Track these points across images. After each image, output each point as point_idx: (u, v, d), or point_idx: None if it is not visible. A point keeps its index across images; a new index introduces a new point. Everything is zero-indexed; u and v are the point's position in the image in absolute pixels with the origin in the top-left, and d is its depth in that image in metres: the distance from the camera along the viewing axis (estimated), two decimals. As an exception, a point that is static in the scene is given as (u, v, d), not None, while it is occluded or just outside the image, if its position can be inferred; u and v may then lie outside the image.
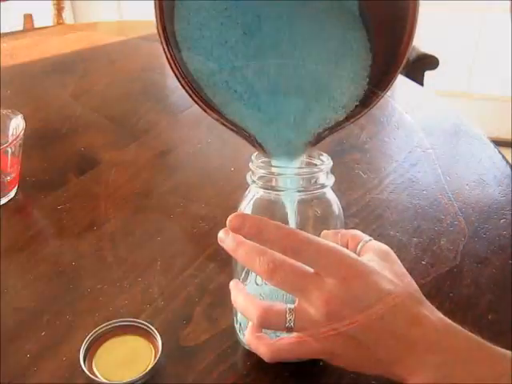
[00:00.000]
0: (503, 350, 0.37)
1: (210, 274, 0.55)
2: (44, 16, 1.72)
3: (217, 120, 0.40)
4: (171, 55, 0.37)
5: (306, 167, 0.43)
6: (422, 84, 1.36)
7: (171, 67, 0.37)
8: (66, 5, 1.59)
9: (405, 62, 0.39)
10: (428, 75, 1.37)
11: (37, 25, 1.55)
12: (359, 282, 0.37)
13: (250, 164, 0.43)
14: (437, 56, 1.35)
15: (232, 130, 0.40)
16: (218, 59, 0.39)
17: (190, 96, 0.38)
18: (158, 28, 0.36)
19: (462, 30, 2.21)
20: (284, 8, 0.39)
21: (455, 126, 0.81)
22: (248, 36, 0.39)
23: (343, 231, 0.45)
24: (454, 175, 0.70)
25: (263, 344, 0.41)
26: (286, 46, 0.40)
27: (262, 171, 0.42)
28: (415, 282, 0.50)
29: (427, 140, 0.78)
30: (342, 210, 0.45)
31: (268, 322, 0.39)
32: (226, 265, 0.56)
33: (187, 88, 0.38)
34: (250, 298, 0.41)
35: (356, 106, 0.42)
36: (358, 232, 0.45)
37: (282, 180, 0.42)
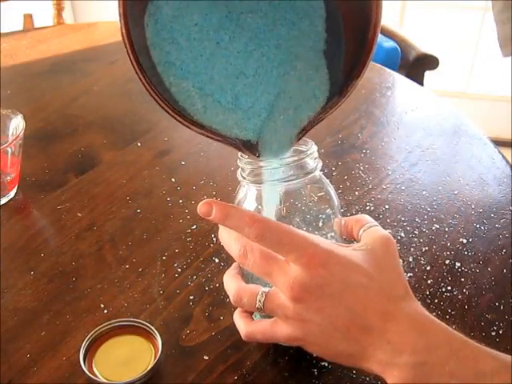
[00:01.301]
0: (488, 349, 0.36)
1: (210, 273, 0.55)
2: (44, 16, 1.72)
3: (201, 134, 0.40)
4: (145, 79, 0.37)
5: (293, 157, 0.43)
6: (422, 84, 1.36)
7: (149, 92, 0.37)
8: (66, 5, 1.58)
9: (374, 49, 0.40)
10: (428, 75, 1.37)
11: (37, 25, 1.55)
12: (323, 271, 0.37)
13: (238, 161, 0.43)
14: (437, 56, 1.35)
15: (218, 140, 0.41)
16: (196, 74, 0.39)
17: (173, 116, 0.38)
18: (129, 54, 0.36)
19: (462, 29, 2.21)
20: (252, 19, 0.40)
21: (455, 126, 0.81)
22: (221, 46, 0.39)
23: (349, 217, 0.46)
24: (454, 175, 0.70)
25: (243, 323, 0.43)
26: (260, 52, 0.40)
27: (251, 166, 0.43)
28: (415, 282, 0.50)
29: (427, 140, 0.78)
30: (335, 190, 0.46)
31: (241, 300, 0.41)
32: (226, 264, 0.56)
33: (168, 109, 0.38)
34: (233, 278, 0.43)
35: (334, 97, 0.42)
36: (363, 216, 0.45)
37: (270, 172, 0.42)
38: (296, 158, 0.42)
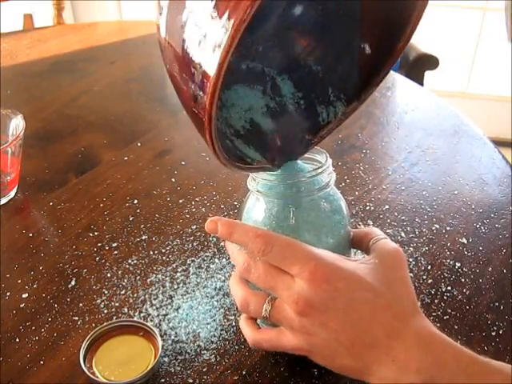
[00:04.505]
0: (496, 363, 0.36)
1: (211, 273, 0.55)
2: (44, 16, 1.72)
3: (247, 171, 0.42)
4: (216, 141, 0.37)
5: (308, 172, 0.42)
6: (422, 84, 1.36)
7: (213, 147, 0.37)
8: (66, 5, 1.58)
9: (398, 59, 0.40)
10: (428, 75, 1.37)
11: (37, 25, 1.55)
12: (327, 286, 0.37)
13: None
14: (437, 56, 1.35)
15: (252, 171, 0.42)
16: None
17: (227, 165, 0.39)
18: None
19: (462, 29, 2.21)
20: None
21: (455, 126, 0.81)
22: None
23: (359, 229, 0.46)
24: (454, 175, 0.70)
25: (250, 330, 0.43)
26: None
27: (263, 178, 0.42)
28: (415, 282, 0.49)
29: (427, 140, 0.78)
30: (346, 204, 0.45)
31: (247, 307, 0.41)
32: (227, 264, 0.56)
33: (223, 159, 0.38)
34: (239, 283, 0.43)
35: (351, 103, 0.42)
36: (371, 229, 0.45)
37: (283, 186, 0.42)
38: (310, 174, 0.42)
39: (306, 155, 0.45)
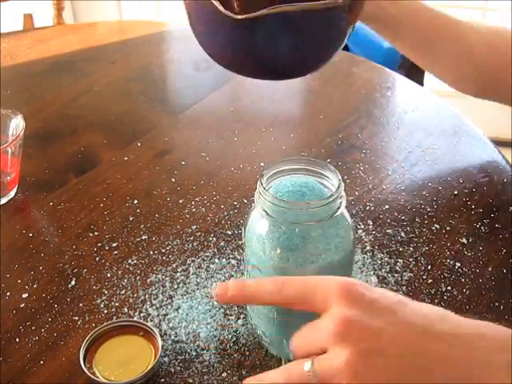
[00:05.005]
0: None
1: (211, 273, 0.55)
2: (44, 16, 1.72)
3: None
4: None
5: (318, 201, 0.41)
6: (422, 84, 1.36)
7: None
8: (66, 5, 1.58)
9: None
10: (428, 75, 1.37)
11: (37, 25, 1.55)
12: (358, 293, 0.34)
13: (259, 187, 0.42)
14: (437, 56, 1.35)
15: None
16: None
17: None
18: None
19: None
20: None
21: (455, 126, 0.81)
22: None
23: None
24: (454, 175, 0.70)
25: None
26: None
27: (270, 201, 0.41)
28: (415, 282, 0.49)
29: (427, 140, 0.78)
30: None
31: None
32: (227, 264, 0.56)
33: None
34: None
35: None
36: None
37: (292, 212, 0.41)
38: (321, 204, 0.41)
39: (316, 170, 0.44)
